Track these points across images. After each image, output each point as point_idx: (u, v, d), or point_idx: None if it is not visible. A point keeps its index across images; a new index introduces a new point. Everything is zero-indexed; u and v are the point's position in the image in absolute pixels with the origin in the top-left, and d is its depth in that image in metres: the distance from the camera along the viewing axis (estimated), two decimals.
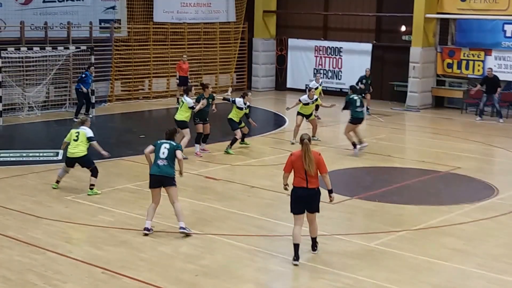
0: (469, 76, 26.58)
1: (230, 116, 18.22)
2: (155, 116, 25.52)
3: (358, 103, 18.29)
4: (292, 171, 10.33)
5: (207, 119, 17.94)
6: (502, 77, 25.55)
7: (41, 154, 17.30)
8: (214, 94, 18.70)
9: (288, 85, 31.48)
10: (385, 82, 28.61)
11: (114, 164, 16.41)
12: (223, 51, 30.46)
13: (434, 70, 27.32)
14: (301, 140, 10.21)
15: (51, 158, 16.92)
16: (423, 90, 27.09)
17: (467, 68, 26.69)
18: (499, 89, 24.67)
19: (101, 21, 26.21)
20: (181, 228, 11.30)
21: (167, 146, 11.60)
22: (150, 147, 11.78)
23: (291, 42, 31.25)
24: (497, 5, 25.71)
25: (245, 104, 18.18)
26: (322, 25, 30.84)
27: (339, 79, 29.97)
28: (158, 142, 11.74)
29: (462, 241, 11.40)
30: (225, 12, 30.35)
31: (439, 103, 27.56)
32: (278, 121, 23.83)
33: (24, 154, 17.26)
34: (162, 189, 11.44)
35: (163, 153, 11.51)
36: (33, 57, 23.27)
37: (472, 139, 21.23)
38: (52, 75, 23.98)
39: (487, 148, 20.28)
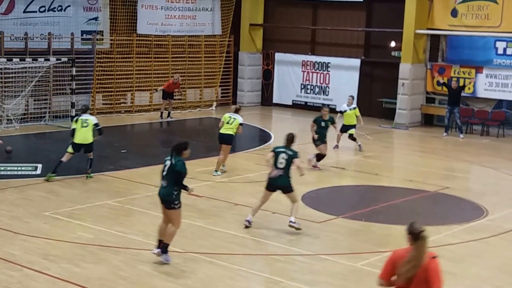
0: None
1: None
2: (138, 130, 25.56)
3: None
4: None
5: (325, 140, 18.72)
6: (493, 95, 25.89)
7: (19, 168, 17.26)
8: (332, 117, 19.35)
9: (275, 101, 31.62)
10: (374, 99, 28.80)
11: (94, 179, 16.43)
12: (208, 65, 30.55)
13: (424, 87, 27.55)
14: (415, 233, 6.81)
15: (30, 173, 16.90)
16: (412, 107, 27.31)
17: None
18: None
19: (83, 32, 26.25)
20: (290, 222, 12.61)
21: (285, 156, 12.47)
22: (270, 154, 12.76)
23: (278, 56, 31.44)
24: (489, 22, 26.01)
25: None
26: (309, 40, 31.06)
27: (326, 95, 30.15)
28: (276, 149, 12.68)
29: (450, 263, 11.47)
30: (211, 25, 30.48)
31: (428, 121, 27.78)
32: (263, 137, 23.93)
33: (2, 168, 17.13)
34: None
35: (281, 163, 12.49)
36: (12, 69, 23.19)
37: (461, 158, 21.42)
38: (32, 87, 23.92)
39: (477, 168, 20.47)
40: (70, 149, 16.24)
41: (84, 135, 16.16)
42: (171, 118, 26.50)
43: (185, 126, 26.49)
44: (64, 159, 16.21)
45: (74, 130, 16.19)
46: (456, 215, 14.95)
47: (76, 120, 16.36)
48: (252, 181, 16.89)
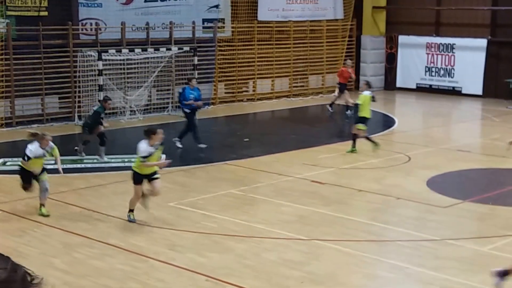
0: None
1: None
2: (260, 118, 25.91)
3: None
4: None
5: None
6: None
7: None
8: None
9: (398, 85, 31.31)
10: (500, 80, 28.01)
11: (217, 168, 16.79)
12: (330, 50, 30.56)
13: None
14: None
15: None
16: None
17: None
18: None
19: (204, 20, 26.47)
20: None
21: None
22: None
23: (402, 39, 31.08)
24: None
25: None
26: (434, 21, 30.53)
27: (451, 77, 29.58)
28: None
29: None
30: (333, 9, 30.44)
31: None
32: (387, 122, 23.79)
33: (126, 160, 16.82)
34: None
35: None
36: (134, 59, 23.63)
37: None
38: (154, 77, 24.40)
39: None
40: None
41: None
42: (331, 109, 25.39)
43: (308, 113, 26.70)
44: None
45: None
46: None
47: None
48: (375, 167, 16.90)
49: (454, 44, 29.41)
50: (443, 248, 11.21)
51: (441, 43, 29.84)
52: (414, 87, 30.70)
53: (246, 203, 13.81)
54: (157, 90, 25.12)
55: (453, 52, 29.50)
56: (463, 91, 29.18)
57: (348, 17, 30.84)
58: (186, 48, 24.75)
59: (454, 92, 29.07)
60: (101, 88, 22.59)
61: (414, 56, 30.67)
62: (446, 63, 29.72)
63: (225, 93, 27.80)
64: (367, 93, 18.30)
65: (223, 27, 27.17)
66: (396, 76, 31.42)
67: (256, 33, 28.12)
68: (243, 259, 10.72)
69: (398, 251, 11.27)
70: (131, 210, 12.51)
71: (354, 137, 18.36)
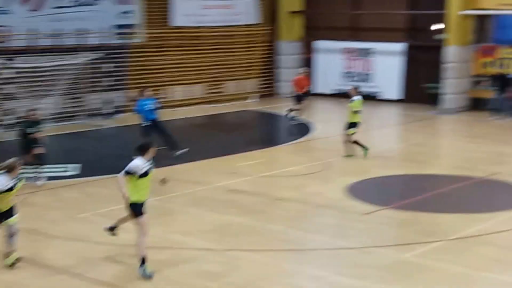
0: (508, 76, 26.45)
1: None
2: (175, 126, 25.48)
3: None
4: None
5: None
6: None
7: (54, 169, 16.93)
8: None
9: (316, 90, 31.43)
10: (419, 84, 28.53)
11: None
12: (246, 56, 30.54)
13: (470, 70, 27.18)
14: None
15: (61, 174, 16.82)
16: (459, 91, 26.97)
17: (506, 67, 26.57)
18: None
19: (116, 26, 26.17)
20: None
21: None
22: None
23: (318, 44, 31.32)
24: None
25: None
26: (351, 25, 30.89)
27: (370, 82, 29.95)
28: None
29: (502, 251, 11.37)
30: (248, 14, 30.42)
31: (475, 105, 27.39)
32: (305, 129, 23.83)
33: (44, 170, 16.20)
34: None
35: None
36: (44, 67, 23.05)
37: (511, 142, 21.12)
38: (65, 85, 23.80)
39: None
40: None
41: None
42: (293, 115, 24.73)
43: (225, 119, 26.55)
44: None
45: None
46: (505, 201, 14.74)
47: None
48: (294, 175, 16.84)
49: (372, 48, 29.81)
50: (363, 256, 11.21)
51: (358, 48, 30.19)
52: (332, 92, 30.94)
53: (162, 213, 13.55)
54: (69, 98, 24.55)
55: (371, 57, 29.88)
56: (383, 96, 29.58)
57: (264, 22, 30.88)
58: (98, 55, 24.37)
59: (373, 97, 29.42)
60: (8, 96, 21.93)
61: (331, 61, 30.92)
62: (364, 68, 30.08)
63: None
64: (358, 98, 18.58)
65: (136, 33, 26.85)
66: (314, 81, 31.58)
67: (170, 39, 27.88)
68: (159, 271, 10.47)
69: (318, 259, 11.21)
70: (143, 261, 10.23)
71: (356, 143, 18.48)
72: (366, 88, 29.61)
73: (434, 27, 27.93)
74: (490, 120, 24.87)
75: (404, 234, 12.56)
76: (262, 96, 30.65)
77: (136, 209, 10.29)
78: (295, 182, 16.10)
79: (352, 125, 18.45)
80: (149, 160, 10.45)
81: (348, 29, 30.93)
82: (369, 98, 29.32)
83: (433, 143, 21.81)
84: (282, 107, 26.77)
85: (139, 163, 10.32)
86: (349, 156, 18.43)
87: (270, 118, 26.84)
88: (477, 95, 27.28)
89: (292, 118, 24.34)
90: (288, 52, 31.41)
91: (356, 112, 18.43)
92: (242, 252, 11.37)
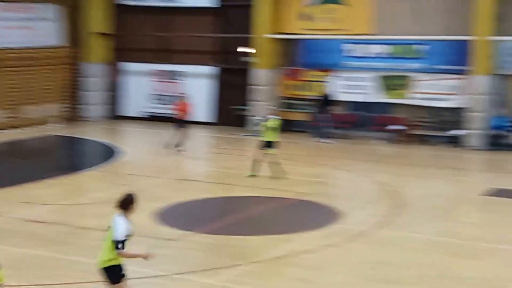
0: (313, 97, 27.33)
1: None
2: None
3: None
4: None
5: None
6: (345, 97, 26.58)
7: None
8: None
9: (124, 113, 30.94)
10: (229, 107, 28.84)
11: None
12: (48, 78, 29.37)
13: (278, 92, 27.85)
14: None
15: None
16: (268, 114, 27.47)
17: (310, 89, 27.48)
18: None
19: None
20: None
21: None
22: None
23: (127, 66, 30.87)
24: (339, 25, 26.71)
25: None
26: (160, 48, 30.69)
27: None
28: None
29: (306, 270, 11.51)
30: (50, 36, 29.42)
31: (284, 127, 27.94)
32: (111, 153, 23.22)
33: None
34: None
35: None
36: None
37: (318, 162, 21.74)
38: None
39: (334, 172, 20.84)
40: None
41: None
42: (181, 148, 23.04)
43: (24, 145, 25.34)
44: None
45: None
46: (312, 220, 15.05)
47: None
48: (99, 202, 16.24)
49: (182, 71, 29.78)
50: (170, 284, 10.96)
51: (168, 71, 30.06)
52: (141, 115, 30.57)
53: None
54: None
55: (181, 80, 29.84)
56: (194, 119, 29.55)
57: (68, 44, 29.97)
58: None
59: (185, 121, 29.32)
60: None
61: (140, 83, 30.56)
62: (174, 91, 29.93)
63: None
64: (274, 118, 19.25)
65: None
66: (122, 104, 31.09)
67: None
68: None
69: None
70: None
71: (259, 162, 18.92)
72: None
73: (241, 49, 28.37)
74: (299, 142, 25.53)
75: (212, 259, 12.41)
76: (66, 120, 29.64)
77: (113, 273, 8.98)
78: (100, 209, 15.51)
79: (271, 144, 18.91)
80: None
81: (158, 51, 30.74)
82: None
83: (244, 165, 21.96)
84: (87, 132, 26.08)
85: (123, 224, 8.93)
86: (252, 175, 18.79)
87: (74, 143, 25.97)
88: (286, 117, 27.91)
89: (175, 146, 22.92)
90: (94, 75, 30.65)
91: (273, 131, 18.91)
92: (37, 287, 10.75)
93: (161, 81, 30.30)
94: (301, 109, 27.94)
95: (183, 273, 11.43)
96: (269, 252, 12.54)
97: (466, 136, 24.69)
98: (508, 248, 12.93)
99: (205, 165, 22.30)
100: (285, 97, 28.05)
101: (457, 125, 25.20)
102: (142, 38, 30.83)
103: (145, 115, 30.50)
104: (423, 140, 25.57)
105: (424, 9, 25.57)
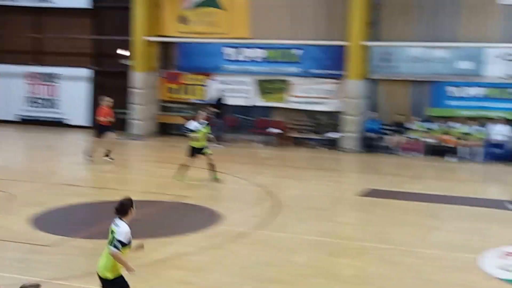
0: (193, 101, 27.56)
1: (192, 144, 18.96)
2: None
3: None
4: None
5: None
6: (225, 101, 26.88)
7: None
8: None
9: None
10: None
11: None
12: None
13: (157, 95, 27.87)
14: None
15: None
16: (147, 117, 27.51)
17: (190, 93, 27.65)
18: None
19: None
20: None
21: None
22: None
23: (0, 68, 30.06)
24: (217, 29, 27.00)
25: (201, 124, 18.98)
26: (35, 50, 30.09)
27: (56, 108, 29.39)
28: None
29: (190, 273, 11.64)
30: None
31: (164, 130, 28.12)
32: None
33: None
34: None
35: None
36: None
37: (199, 166, 21.90)
38: None
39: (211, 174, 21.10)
40: None
41: None
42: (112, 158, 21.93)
43: None
44: None
45: None
46: (194, 223, 15.19)
47: None
48: None
49: (57, 73, 29.33)
50: None
51: (42, 73, 29.50)
52: (14, 119, 29.86)
53: None
54: None
55: (56, 82, 29.34)
56: (70, 123, 29.18)
57: None
58: None
59: (60, 124, 28.89)
60: None
61: (12, 86, 29.84)
62: (49, 94, 29.45)
63: None
64: (205, 123, 19.35)
65: None
66: None
67: None
68: None
69: None
70: None
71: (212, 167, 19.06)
72: (51, 114, 29.06)
73: (119, 51, 28.23)
74: (179, 146, 25.57)
75: (93, 264, 12.27)
76: None
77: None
78: None
79: (202, 150, 19.05)
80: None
81: (32, 53, 30.12)
82: (55, 124, 28.85)
83: (123, 169, 21.91)
84: None
85: (125, 227, 8.72)
86: (180, 179, 18.86)
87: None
88: (166, 120, 28.00)
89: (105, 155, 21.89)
90: None
91: (205, 136, 19.27)
92: None
93: (36, 84, 29.69)
94: (181, 112, 28.06)
95: (64, 278, 11.33)
96: (151, 255, 12.54)
97: (341, 138, 25.52)
98: (381, 246, 13.49)
99: (83, 169, 22.02)
100: (165, 100, 28.09)
101: (333, 128, 26.02)
102: (16, 39, 30.11)
103: (18, 118, 29.80)
104: (301, 143, 26.24)
105: (301, 14, 26.23)
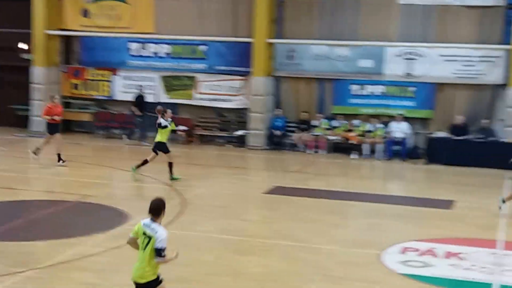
0: (97, 97, 27.26)
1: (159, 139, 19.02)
2: None
3: None
4: None
5: None
6: (130, 97, 26.68)
7: None
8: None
9: None
10: (4, 106, 27.94)
11: None
12: None
13: (60, 91, 27.36)
14: None
15: None
16: None
17: (94, 89, 27.34)
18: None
19: None
20: None
21: None
22: None
23: None
24: (121, 23, 26.77)
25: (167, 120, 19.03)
26: None
27: None
28: None
29: (94, 274, 11.54)
30: None
31: (67, 127, 27.62)
32: None
33: None
34: None
35: None
36: None
37: (103, 164, 21.70)
38: None
39: (118, 173, 20.92)
40: None
41: None
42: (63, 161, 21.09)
43: None
44: None
45: None
46: (99, 223, 15.03)
47: None
48: None
49: None
50: None
51: None
52: None
53: None
54: None
55: None
56: None
57: None
58: None
59: None
60: None
61: None
62: None
63: None
64: (170, 120, 19.42)
65: None
66: None
67: None
68: None
69: None
70: None
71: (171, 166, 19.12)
72: None
73: (20, 45, 27.62)
74: (82, 143, 25.29)
75: None
76: None
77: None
78: None
79: (165, 145, 19.24)
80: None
81: None
82: None
83: (22, 167, 21.43)
84: None
85: (166, 233, 8.41)
86: (175, 179, 19.03)
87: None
88: (69, 117, 27.50)
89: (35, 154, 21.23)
90: None
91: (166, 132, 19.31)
92: None
93: None
94: (84, 108, 27.71)
95: None
96: (54, 257, 12.40)
97: (248, 136, 25.74)
98: (285, 243, 13.73)
99: None
100: (68, 96, 27.65)
101: (240, 125, 26.21)
102: None
103: None
104: (209, 140, 26.32)
105: (207, 10, 26.29)
